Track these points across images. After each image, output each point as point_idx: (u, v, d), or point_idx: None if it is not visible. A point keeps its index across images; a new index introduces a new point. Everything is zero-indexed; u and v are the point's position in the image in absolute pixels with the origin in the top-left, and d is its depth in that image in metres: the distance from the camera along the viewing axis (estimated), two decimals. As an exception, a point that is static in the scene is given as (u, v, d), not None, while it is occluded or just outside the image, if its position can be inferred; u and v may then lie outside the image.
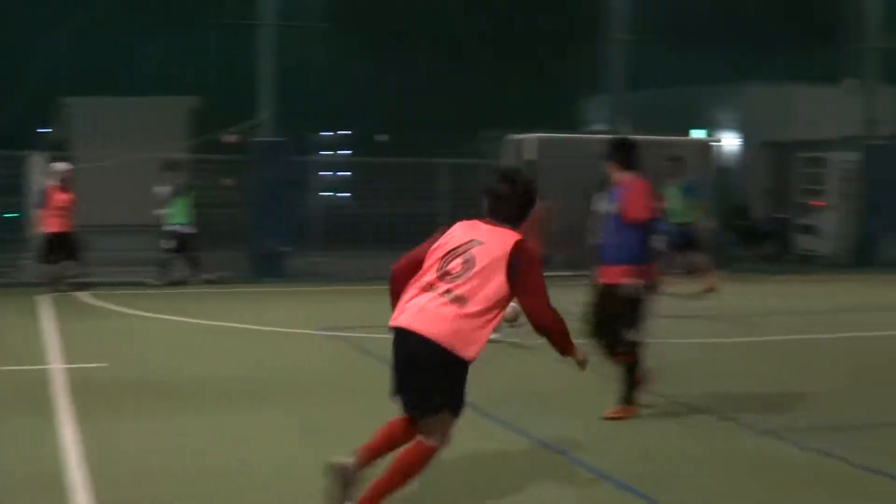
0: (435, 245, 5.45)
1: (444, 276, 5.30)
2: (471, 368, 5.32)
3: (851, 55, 22.64)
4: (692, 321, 12.97)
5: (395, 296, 5.49)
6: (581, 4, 21.69)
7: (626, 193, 7.75)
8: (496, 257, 5.31)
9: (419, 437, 5.32)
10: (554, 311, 5.43)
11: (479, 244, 5.35)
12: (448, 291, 5.26)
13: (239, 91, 19.55)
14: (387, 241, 17.14)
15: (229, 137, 19.92)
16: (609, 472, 6.49)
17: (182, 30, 23.65)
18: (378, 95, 20.31)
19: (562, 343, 5.52)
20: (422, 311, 5.25)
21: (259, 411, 8.13)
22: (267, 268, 17.45)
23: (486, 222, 5.50)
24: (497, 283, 5.29)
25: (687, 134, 21.87)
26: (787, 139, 23.01)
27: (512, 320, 7.97)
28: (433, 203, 20.17)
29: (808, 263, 21.29)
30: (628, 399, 7.91)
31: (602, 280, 7.81)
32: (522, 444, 7.23)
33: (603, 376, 7.91)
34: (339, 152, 23.54)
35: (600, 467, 6.59)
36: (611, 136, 11.10)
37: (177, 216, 16.42)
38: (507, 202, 5.54)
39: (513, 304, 5.55)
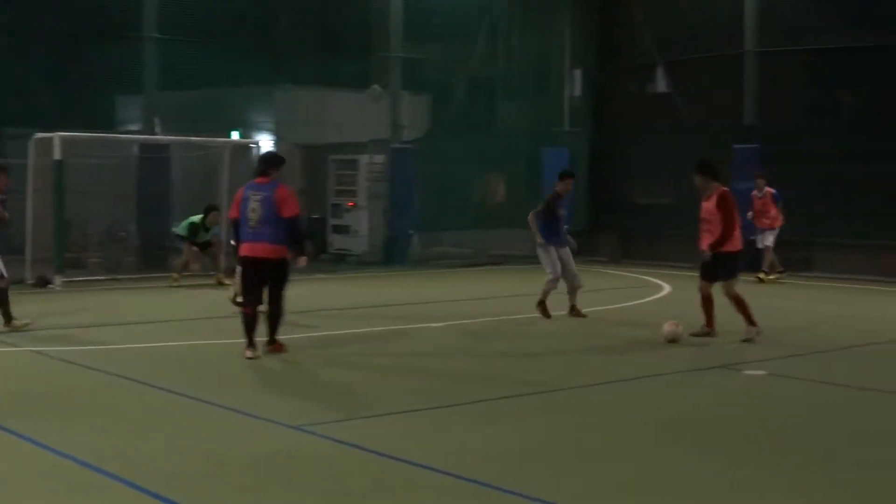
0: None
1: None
2: None
3: (377, 63, 23.92)
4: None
5: None
6: (112, 1, 20.90)
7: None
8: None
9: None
10: None
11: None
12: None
13: None
14: None
15: None
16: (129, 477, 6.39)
17: None
18: None
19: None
20: None
21: None
22: None
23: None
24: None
25: (227, 135, 21.88)
26: (320, 142, 23.80)
27: None
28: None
29: (342, 262, 22.17)
30: None
31: None
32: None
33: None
34: None
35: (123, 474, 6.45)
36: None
37: None
38: None
39: None
